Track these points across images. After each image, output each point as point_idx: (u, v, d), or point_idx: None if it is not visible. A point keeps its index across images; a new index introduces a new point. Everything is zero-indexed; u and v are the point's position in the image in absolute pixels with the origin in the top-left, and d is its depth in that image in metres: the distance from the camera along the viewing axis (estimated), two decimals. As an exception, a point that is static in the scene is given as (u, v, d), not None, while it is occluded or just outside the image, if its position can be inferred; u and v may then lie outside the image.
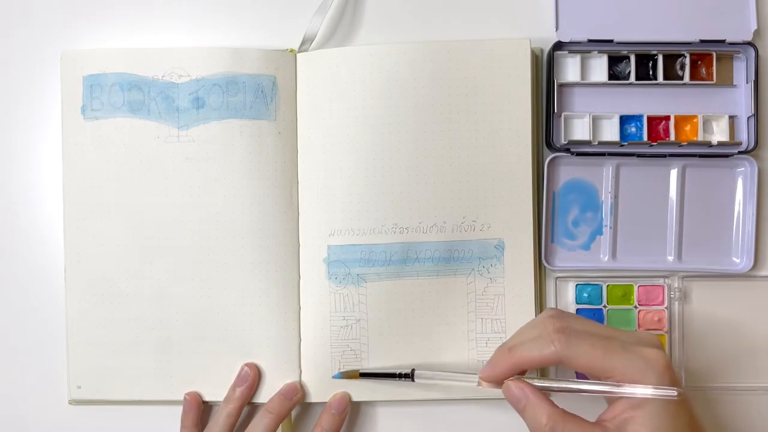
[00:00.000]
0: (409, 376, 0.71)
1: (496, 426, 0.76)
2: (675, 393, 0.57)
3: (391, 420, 0.76)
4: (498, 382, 0.64)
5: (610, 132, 0.75)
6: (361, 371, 0.73)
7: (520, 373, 0.63)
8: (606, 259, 0.75)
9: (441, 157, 0.73)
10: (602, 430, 0.59)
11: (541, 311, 0.74)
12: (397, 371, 0.71)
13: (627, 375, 0.58)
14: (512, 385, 0.62)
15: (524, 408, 0.61)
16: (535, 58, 0.75)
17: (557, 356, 0.59)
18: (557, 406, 0.60)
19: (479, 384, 0.65)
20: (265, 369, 0.74)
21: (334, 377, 0.73)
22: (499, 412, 0.76)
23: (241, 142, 0.73)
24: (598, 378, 0.60)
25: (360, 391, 0.74)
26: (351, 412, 0.76)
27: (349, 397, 0.74)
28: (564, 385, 0.62)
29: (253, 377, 0.73)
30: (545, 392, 0.62)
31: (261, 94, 0.73)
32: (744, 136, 0.74)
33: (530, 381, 0.62)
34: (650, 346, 0.60)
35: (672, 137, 0.74)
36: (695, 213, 0.75)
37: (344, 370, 0.73)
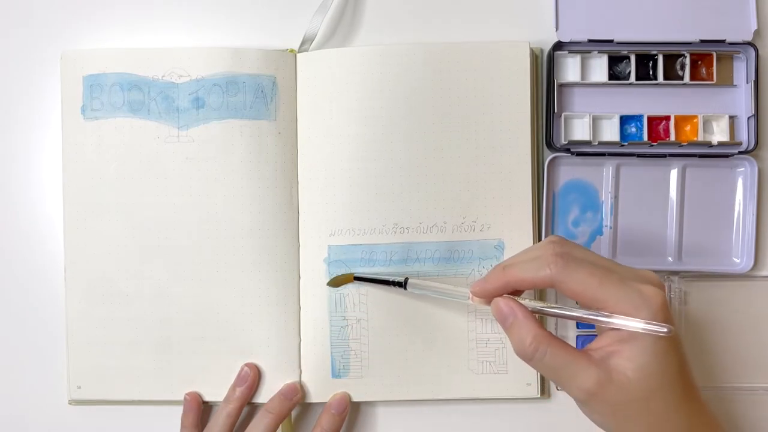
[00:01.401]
0: (402, 284, 0.70)
1: (495, 426, 0.76)
2: (666, 329, 0.55)
3: (391, 420, 0.76)
4: (488, 299, 0.62)
5: (610, 132, 0.75)
6: (355, 275, 0.73)
7: (513, 293, 0.62)
8: (606, 259, 0.75)
9: (441, 158, 0.73)
10: (587, 357, 0.57)
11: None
12: (391, 278, 0.71)
13: (619, 307, 0.56)
14: (500, 301, 0.61)
15: (510, 326, 0.60)
16: (535, 58, 0.75)
17: (551, 279, 0.58)
18: (544, 328, 0.59)
19: (471, 299, 0.64)
20: (265, 369, 0.74)
21: (327, 284, 0.74)
22: (498, 413, 0.76)
23: (241, 142, 0.73)
24: (589, 308, 0.58)
25: (360, 391, 0.74)
26: (351, 412, 0.76)
27: (349, 397, 0.74)
28: (554, 310, 0.61)
29: (253, 377, 0.73)
30: (534, 314, 0.60)
31: (261, 94, 0.73)
32: (744, 136, 0.74)
33: (520, 301, 0.61)
34: (649, 283, 0.58)
35: (672, 137, 0.74)
36: (695, 213, 0.75)
37: (336, 276, 0.74)
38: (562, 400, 0.76)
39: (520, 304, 0.60)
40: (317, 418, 0.73)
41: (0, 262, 0.78)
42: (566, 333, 0.75)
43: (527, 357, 0.59)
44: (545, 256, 0.59)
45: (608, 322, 0.57)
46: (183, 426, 0.73)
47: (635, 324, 0.56)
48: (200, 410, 0.74)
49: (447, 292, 0.67)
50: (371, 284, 0.73)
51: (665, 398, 0.57)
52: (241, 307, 0.74)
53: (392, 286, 0.71)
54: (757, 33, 0.74)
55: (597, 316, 0.58)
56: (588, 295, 0.57)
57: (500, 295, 0.61)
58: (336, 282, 0.73)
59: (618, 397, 0.56)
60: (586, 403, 0.58)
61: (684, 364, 0.58)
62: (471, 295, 0.64)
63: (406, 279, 0.70)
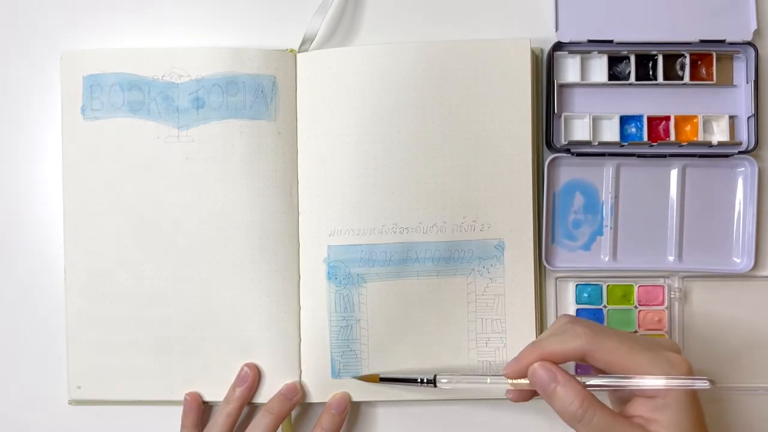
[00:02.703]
0: (432, 381, 0.70)
1: (496, 426, 0.76)
2: (707, 383, 0.57)
3: (390, 420, 0.76)
4: (523, 376, 0.62)
5: (611, 132, 0.75)
6: (381, 375, 0.73)
7: None
8: (606, 259, 0.75)
9: (441, 157, 0.73)
10: (630, 422, 0.58)
11: (541, 311, 0.75)
12: (419, 377, 0.71)
13: (651, 373, 0.57)
14: (539, 367, 0.60)
15: (554, 391, 0.59)
16: (535, 58, 0.75)
17: (582, 349, 0.59)
18: (588, 390, 0.59)
19: (508, 385, 0.63)
20: (265, 369, 0.74)
21: (353, 377, 0.73)
22: (499, 413, 0.76)
23: (241, 142, 0.73)
24: (616, 374, 0.59)
25: (360, 391, 0.74)
26: (351, 412, 0.76)
27: (349, 397, 0.74)
28: (598, 381, 0.60)
29: (253, 377, 0.73)
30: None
31: (261, 94, 0.73)
32: (744, 136, 0.74)
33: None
34: (673, 351, 0.59)
35: (672, 137, 0.74)
36: (695, 213, 0.75)
37: (363, 374, 0.73)
38: (562, 400, 0.76)
39: (559, 367, 0.60)
40: (317, 418, 0.73)
41: (0, 262, 0.78)
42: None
43: (575, 419, 0.58)
44: (572, 330, 0.60)
45: (655, 385, 0.57)
46: (183, 426, 0.73)
47: (682, 382, 0.57)
48: (200, 410, 0.74)
49: (480, 382, 0.67)
50: (398, 383, 0.73)
51: None
52: (241, 307, 0.74)
53: (422, 385, 0.71)
54: (756, 33, 0.74)
55: (651, 381, 0.58)
56: (619, 362, 0.58)
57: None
58: (363, 379, 0.73)
59: None
60: None
61: (704, 424, 0.60)
62: (507, 378, 0.63)
63: (435, 376, 0.69)
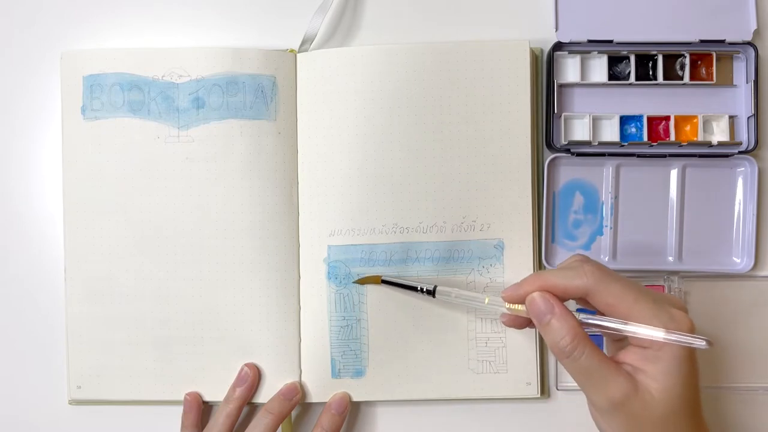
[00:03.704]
0: (431, 292, 0.70)
1: (495, 426, 0.76)
2: (704, 342, 0.56)
3: (390, 420, 0.76)
4: (521, 301, 0.62)
5: (610, 132, 0.75)
6: (383, 278, 0.73)
7: None
8: (606, 259, 0.75)
9: (441, 157, 0.73)
10: (618, 367, 0.58)
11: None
12: (419, 285, 0.71)
13: (651, 324, 0.57)
14: (537, 296, 0.60)
15: (548, 323, 0.59)
16: (535, 58, 0.75)
17: (587, 288, 0.58)
18: (582, 328, 0.58)
19: (505, 306, 0.63)
20: (265, 369, 0.74)
21: (354, 281, 0.73)
22: (498, 412, 0.76)
23: (241, 142, 0.73)
24: (618, 318, 0.58)
25: (360, 391, 0.74)
26: (351, 412, 0.76)
27: (349, 397, 0.74)
28: (591, 320, 0.60)
29: (253, 377, 0.73)
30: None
31: (261, 94, 0.73)
32: (744, 136, 0.74)
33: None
34: (679, 308, 0.59)
35: (672, 137, 0.74)
36: (695, 213, 0.75)
37: (365, 276, 0.74)
38: (562, 399, 0.76)
39: (559, 301, 0.60)
40: (317, 418, 0.73)
41: (0, 262, 0.77)
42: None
43: (564, 354, 0.58)
44: (581, 268, 0.59)
45: (652, 336, 0.57)
46: (183, 426, 0.73)
47: (679, 337, 0.56)
48: (200, 410, 0.74)
49: (478, 300, 0.67)
50: (395, 288, 0.73)
51: (682, 420, 0.57)
52: (240, 307, 0.74)
53: (420, 293, 0.71)
54: (756, 33, 0.74)
55: (647, 330, 0.57)
56: (621, 308, 0.58)
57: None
58: (362, 281, 0.73)
59: (641, 412, 0.57)
60: (607, 412, 0.58)
61: (698, 386, 0.59)
62: (504, 302, 0.63)
63: (435, 287, 0.70)
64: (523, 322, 0.64)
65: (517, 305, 0.63)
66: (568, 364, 0.59)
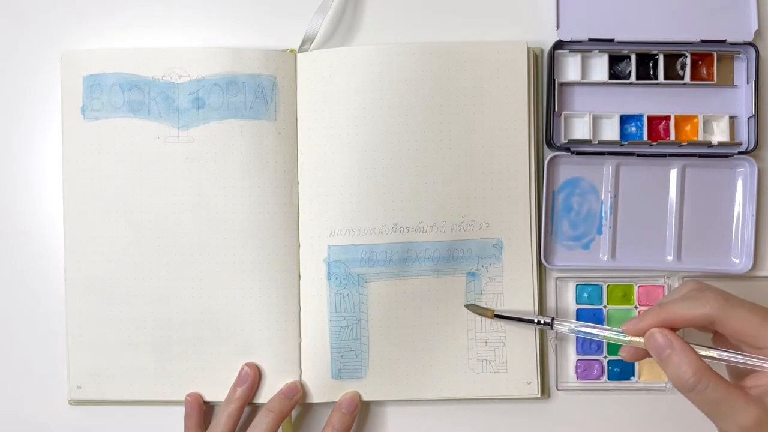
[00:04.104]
0: (549, 324, 0.70)
1: (496, 425, 0.76)
2: None
3: (390, 420, 0.76)
4: (641, 335, 0.62)
5: (611, 131, 0.75)
6: (496, 312, 0.73)
7: None
8: (605, 258, 0.75)
9: (440, 157, 0.73)
10: (745, 394, 0.57)
11: (541, 311, 0.75)
12: (536, 318, 0.71)
13: None
14: (656, 332, 0.60)
15: (668, 357, 0.59)
16: (536, 57, 0.75)
17: (710, 316, 0.58)
18: (703, 360, 0.58)
19: (627, 339, 0.63)
20: (266, 369, 0.74)
21: (466, 305, 0.74)
22: (498, 412, 0.76)
23: (241, 142, 0.73)
24: (746, 344, 0.58)
25: (360, 391, 0.74)
26: (360, 411, 0.76)
27: (360, 397, 0.74)
28: (714, 354, 0.59)
29: (254, 377, 0.73)
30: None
31: (261, 94, 0.73)
32: (744, 136, 0.74)
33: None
34: None
35: (672, 137, 0.74)
36: (695, 213, 0.75)
37: (477, 305, 0.74)
38: (562, 399, 0.76)
39: (677, 335, 0.60)
40: (328, 417, 0.73)
41: (0, 262, 0.77)
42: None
43: (688, 388, 0.58)
44: (702, 296, 0.59)
45: None
46: (186, 428, 0.73)
47: None
48: (202, 411, 0.74)
49: (598, 333, 0.67)
50: (510, 321, 0.73)
51: None
52: (241, 307, 0.74)
53: (539, 326, 0.71)
54: (757, 33, 0.74)
55: (758, 361, 0.57)
56: (749, 333, 0.57)
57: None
58: (474, 310, 0.74)
59: None
60: None
61: None
62: (623, 331, 0.63)
63: (553, 319, 0.70)
64: (643, 355, 0.63)
65: (637, 338, 0.62)
66: (693, 396, 0.58)
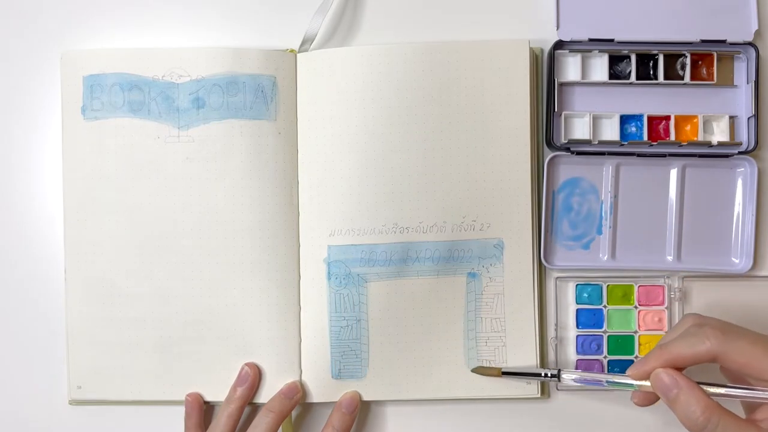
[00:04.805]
0: (556, 376, 0.70)
1: (495, 426, 0.76)
2: None
3: (390, 420, 0.77)
4: (646, 378, 0.61)
5: (611, 131, 0.75)
6: (503, 370, 0.72)
7: None
8: (605, 258, 0.75)
9: (440, 157, 0.73)
10: (756, 428, 0.56)
11: (541, 310, 0.75)
12: (543, 371, 0.71)
13: None
14: (662, 372, 0.59)
15: (676, 397, 0.58)
16: (536, 57, 0.75)
17: (712, 352, 0.57)
18: (712, 398, 0.57)
19: (634, 384, 0.63)
20: (266, 369, 0.74)
21: (472, 370, 0.74)
22: (498, 412, 0.76)
23: (241, 142, 0.73)
24: (751, 376, 0.57)
25: (360, 391, 0.74)
26: (360, 411, 0.76)
27: (360, 397, 0.74)
28: (722, 392, 0.59)
29: (254, 377, 0.73)
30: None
31: (261, 94, 0.73)
32: (744, 136, 0.74)
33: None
34: None
35: (672, 137, 0.74)
36: (695, 213, 0.75)
37: (483, 367, 0.74)
38: (562, 399, 0.76)
39: (683, 374, 0.59)
40: (328, 417, 0.73)
41: (0, 262, 0.77)
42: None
43: (699, 428, 0.57)
44: (701, 332, 0.58)
45: None
46: (186, 428, 0.73)
47: None
48: (202, 411, 0.74)
49: (602, 381, 0.66)
50: (518, 377, 0.73)
51: None
52: (241, 307, 0.74)
53: (546, 379, 0.71)
54: (757, 33, 0.74)
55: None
56: (753, 365, 0.57)
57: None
58: (481, 373, 0.74)
59: None
60: None
61: None
62: (630, 379, 0.63)
63: (560, 370, 0.70)
64: (654, 398, 0.63)
65: (643, 381, 0.62)
66: None
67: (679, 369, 0.60)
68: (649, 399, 0.63)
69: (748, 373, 0.58)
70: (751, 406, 0.61)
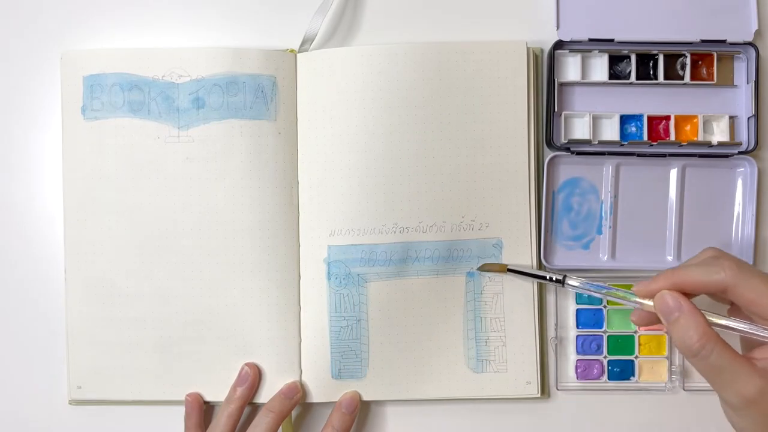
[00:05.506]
0: (561, 281, 0.69)
1: (496, 425, 0.76)
2: None
3: (390, 420, 0.77)
4: (651, 297, 0.61)
5: (611, 131, 0.75)
6: (509, 267, 0.72)
7: None
8: (605, 258, 0.75)
9: (440, 157, 0.73)
10: (750, 364, 0.56)
11: (540, 311, 0.75)
12: (548, 274, 0.70)
13: None
14: (666, 294, 0.59)
15: (676, 320, 0.58)
16: (536, 57, 0.75)
17: (724, 283, 0.57)
18: (711, 326, 0.57)
19: (636, 299, 0.62)
20: (266, 369, 0.74)
21: (477, 269, 0.74)
22: (498, 412, 0.76)
23: (241, 142, 0.73)
24: (758, 315, 0.57)
25: (360, 391, 0.74)
26: (361, 411, 0.76)
27: (360, 397, 0.74)
28: (724, 322, 0.59)
29: (254, 377, 0.73)
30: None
31: (261, 94, 0.73)
32: (744, 136, 0.74)
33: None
34: None
35: (672, 137, 0.74)
36: (695, 213, 0.75)
37: (489, 262, 0.74)
38: (562, 399, 0.76)
39: (687, 299, 0.59)
40: (328, 417, 0.73)
41: (0, 262, 0.77)
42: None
43: (692, 353, 0.57)
44: (717, 262, 0.58)
45: None
46: (186, 428, 0.73)
47: None
48: (202, 411, 0.74)
49: (609, 291, 0.66)
50: (522, 276, 0.73)
51: None
52: (241, 307, 0.74)
53: (551, 282, 0.70)
54: (757, 33, 0.74)
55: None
56: (761, 303, 0.56)
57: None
58: (486, 268, 0.73)
59: None
60: (740, 409, 0.56)
61: None
62: (634, 296, 0.62)
63: (565, 276, 0.69)
64: (652, 319, 0.62)
65: (646, 300, 0.61)
66: (697, 362, 0.57)
67: (687, 296, 0.59)
68: (648, 319, 0.63)
69: (755, 311, 0.57)
70: (750, 344, 0.60)
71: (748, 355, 0.58)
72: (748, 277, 0.57)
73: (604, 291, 0.66)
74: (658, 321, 0.61)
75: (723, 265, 0.57)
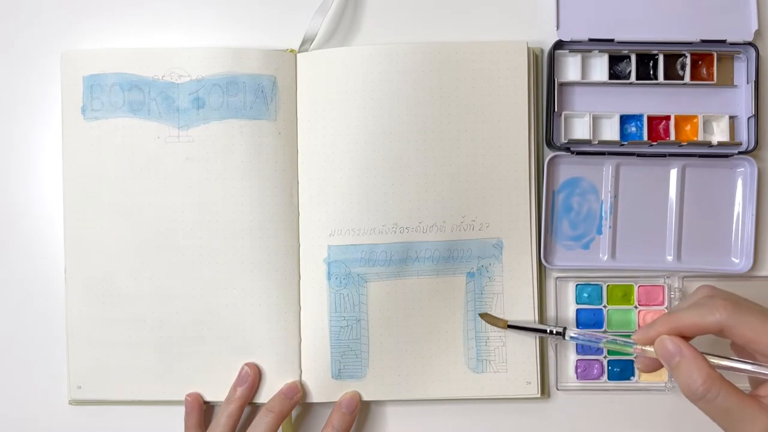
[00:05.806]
0: (561, 334, 0.70)
1: (495, 425, 0.76)
2: None
3: (390, 420, 0.76)
4: (651, 343, 0.61)
5: (611, 131, 0.75)
6: (509, 323, 0.73)
7: None
8: (605, 258, 0.75)
9: (440, 157, 0.73)
10: (757, 403, 0.56)
11: (541, 310, 0.75)
12: (548, 327, 0.71)
13: None
14: (666, 339, 0.59)
15: (677, 365, 0.58)
16: (536, 57, 0.75)
17: (719, 325, 0.57)
18: (714, 368, 0.57)
19: (635, 348, 0.63)
20: (266, 369, 0.74)
21: (480, 314, 0.74)
22: (498, 412, 0.76)
23: (241, 142, 0.73)
24: (759, 352, 0.57)
25: (360, 391, 0.74)
26: (361, 411, 0.76)
27: (360, 396, 0.74)
28: (727, 363, 0.59)
29: (254, 377, 0.73)
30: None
31: (261, 94, 0.73)
32: (744, 136, 0.74)
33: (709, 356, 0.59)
34: None
35: (672, 137, 0.74)
36: (695, 213, 0.75)
37: (491, 314, 0.74)
38: (562, 399, 0.76)
39: (687, 343, 0.59)
40: (328, 417, 0.73)
41: (0, 262, 0.77)
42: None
43: (697, 397, 0.57)
44: (711, 303, 0.58)
45: None
46: (186, 427, 0.73)
47: None
48: (202, 411, 0.74)
49: (608, 341, 0.67)
50: (523, 332, 0.73)
51: None
52: (241, 307, 0.74)
53: (551, 336, 0.71)
54: (757, 33, 0.74)
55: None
56: (761, 341, 0.56)
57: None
58: (486, 320, 0.74)
59: None
60: None
61: None
62: (635, 344, 0.63)
63: (565, 328, 0.70)
64: (658, 364, 0.62)
65: (647, 347, 0.62)
66: (703, 405, 0.57)
67: (686, 338, 0.60)
68: (654, 365, 0.63)
69: (755, 348, 0.57)
70: (756, 382, 0.60)
71: (755, 393, 0.58)
72: (743, 314, 0.57)
73: (604, 341, 0.67)
74: (661, 366, 0.62)
75: (717, 306, 0.58)
